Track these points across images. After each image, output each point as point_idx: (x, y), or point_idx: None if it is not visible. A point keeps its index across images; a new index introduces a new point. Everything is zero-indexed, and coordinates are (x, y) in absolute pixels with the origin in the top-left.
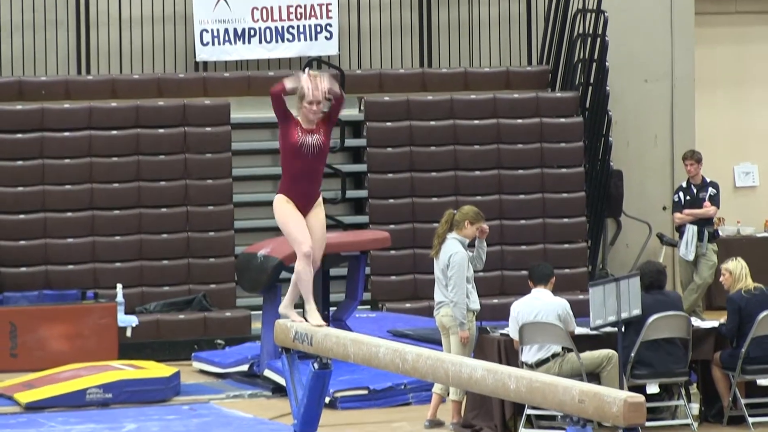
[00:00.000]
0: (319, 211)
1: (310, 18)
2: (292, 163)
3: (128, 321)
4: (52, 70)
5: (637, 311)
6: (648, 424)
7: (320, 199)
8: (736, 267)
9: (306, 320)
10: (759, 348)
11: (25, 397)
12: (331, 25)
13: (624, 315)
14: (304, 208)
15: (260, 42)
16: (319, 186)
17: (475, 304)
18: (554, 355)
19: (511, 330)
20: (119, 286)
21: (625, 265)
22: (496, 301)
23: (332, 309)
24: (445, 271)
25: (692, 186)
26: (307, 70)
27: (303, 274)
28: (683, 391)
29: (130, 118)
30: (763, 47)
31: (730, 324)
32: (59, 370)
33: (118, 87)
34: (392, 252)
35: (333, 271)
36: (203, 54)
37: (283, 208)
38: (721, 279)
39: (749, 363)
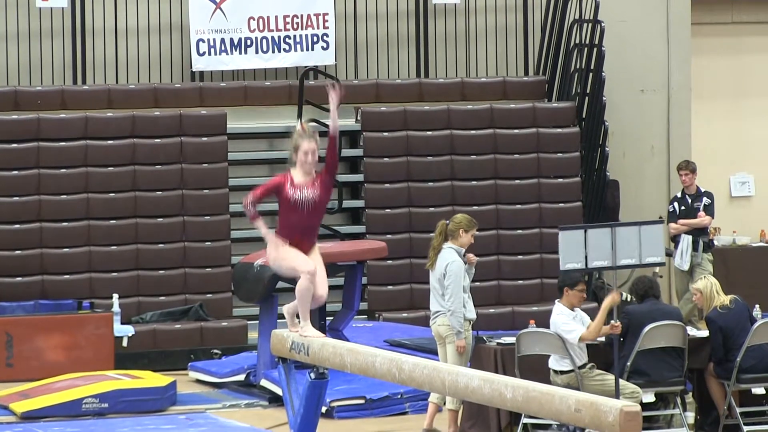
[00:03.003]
0: (316, 256)
1: (306, 28)
2: (287, 216)
3: (124, 331)
4: (48, 79)
5: (654, 258)
6: None
7: (317, 247)
8: (706, 286)
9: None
10: (753, 357)
11: (21, 407)
12: (327, 35)
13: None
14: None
15: (257, 52)
16: (315, 237)
17: (471, 313)
18: (581, 367)
19: None
20: (115, 296)
21: (621, 274)
22: (492, 310)
23: (329, 319)
24: (442, 281)
25: (687, 196)
26: (299, 121)
27: (304, 292)
28: (679, 400)
29: (126, 128)
30: (760, 57)
31: (715, 344)
32: (55, 380)
33: (114, 97)
34: (389, 262)
35: (330, 281)
36: (199, 64)
37: (280, 250)
38: (693, 299)
39: (744, 372)
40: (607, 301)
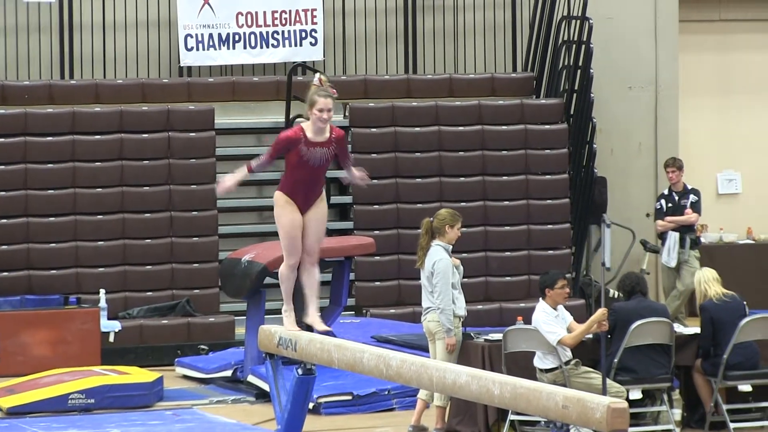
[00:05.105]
0: (318, 209)
1: (295, 24)
2: (295, 169)
3: (111, 326)
4: (35, 74)
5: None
6: (631, 429)
7: (323, 194)
8: (704, 274)
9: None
10: (740, 354)
11: (6, 402)
12: (316, 31)
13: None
14: (304, 205)
15: (245, 47)
16: (321, 186)
17: (461, 310)
18: (566, 363)
19: None
20: (102, 291)
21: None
22: (480, 307)
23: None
24: (431, 279)
25: (674, 193)
26: (318, 75)
27: (285, 276)
28: (666, 397)
29: (114, 123)
30: (747, 54)
31: (705, 333)
32: (41, 375)
33: (101, 92)
34: (377, 258)
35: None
36: (187, 59)
37: (281, 210)
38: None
39: (730, 369)
40: (596, 316)
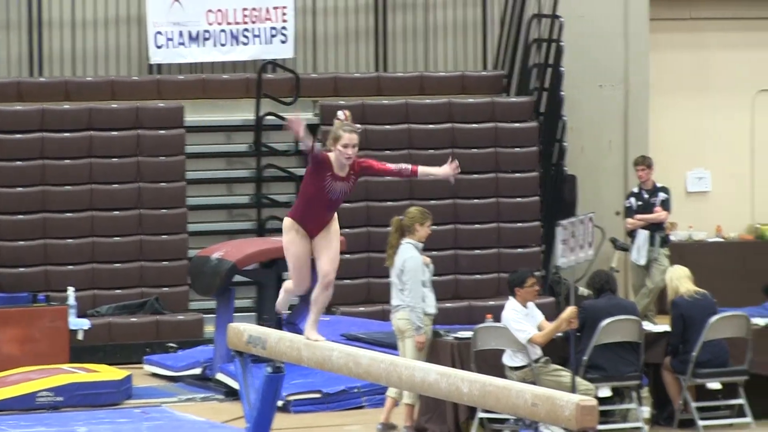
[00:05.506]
0: (330, 232)
1: (265, 21)
2: (311, 199)
3: (80, 324)
4: (3, 71)
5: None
6: (600, 427)
7: (335, 216)
8: (675, 271)
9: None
10: (709, 352)
11: None
12: (286, 29)
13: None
14: (315, 230)
15: (215, 45)
16: (334, 213)
17: (432, 308)
18: (536, 361)
19: None
20: (71, 288)
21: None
22: (449, 305)
23: (286, 313)
24: (401, 276)
25: (643, 191)
26: (342, 111)
27: (288, 290)
28: (635, 395)
29: (83, 121)
30: (718, 53)
31: (675, 330)
32: (9, 374)
33: (70, 89)
34: (347, 256)
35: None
36: (157, 56)
37: (290, 239)
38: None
39: (699, 367)
40: (565, 315)
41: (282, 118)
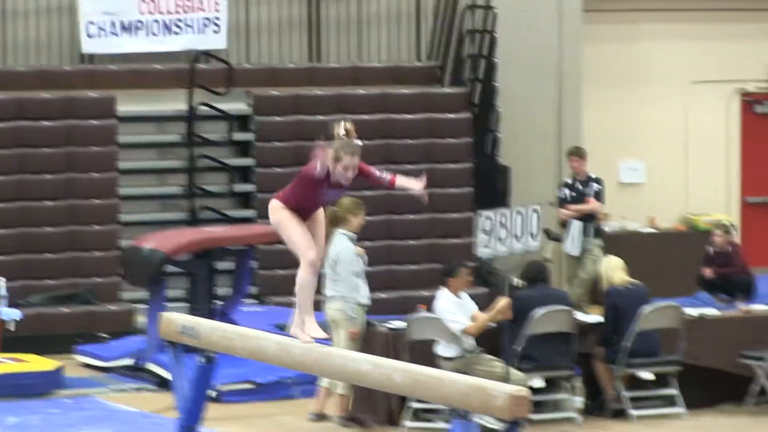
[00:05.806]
0: (316, 220)
1: (197, 11)
2: (304, 196)
3: (11, 314)
4: None
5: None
6: (533, 417)
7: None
8: (610, 261)
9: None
10: (641, 342)
11: None
12: (219, 19)
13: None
14: (303, 219)
15: (147, 35)
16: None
17: (365, 298)
18: (470, 352)
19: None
20: (1, 279)
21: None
22: (383, 295)
23: (218, 303)
24: (334, 267)
25: (577, 182)
26: (343, 123)
27: (307, 283)
28: (568, 385)
29: (13, 111)
30: (653, 44)
31: (607, 320)
32: None
33: (0, 79)
34: (279, 246)
35: (220, 265)
36: (89, 46)
37: (282, 214)
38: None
39: (632, 357)
40: (499, 306)
41: (217, 110)
